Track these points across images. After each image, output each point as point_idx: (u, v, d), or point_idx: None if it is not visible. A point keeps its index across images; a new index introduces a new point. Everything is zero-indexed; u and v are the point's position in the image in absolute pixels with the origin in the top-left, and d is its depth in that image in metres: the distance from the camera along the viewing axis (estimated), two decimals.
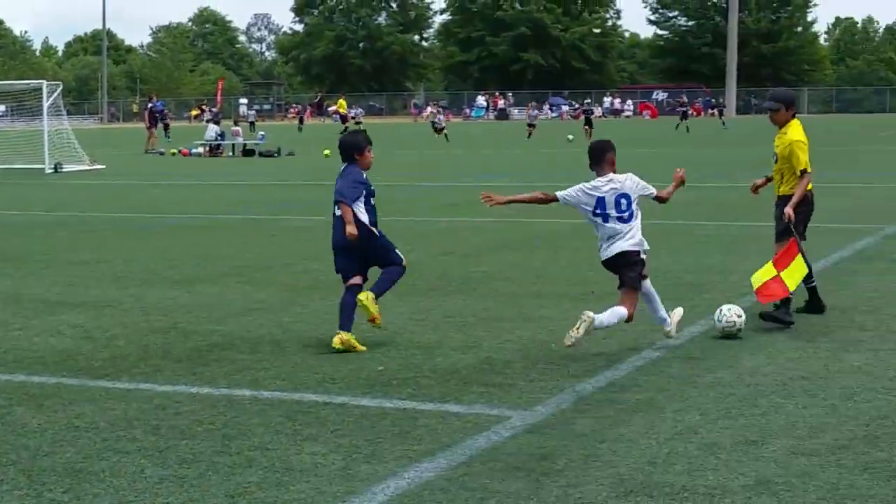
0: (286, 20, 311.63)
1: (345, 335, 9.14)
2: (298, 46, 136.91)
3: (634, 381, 7.98)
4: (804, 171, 10.15)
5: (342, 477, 6.06)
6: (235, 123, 53.83)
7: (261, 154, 45.51)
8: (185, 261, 14.68)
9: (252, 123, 70.04)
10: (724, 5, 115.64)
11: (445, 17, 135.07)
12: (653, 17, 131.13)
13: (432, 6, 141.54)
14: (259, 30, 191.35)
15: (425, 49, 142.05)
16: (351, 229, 9.18)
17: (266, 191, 27.61)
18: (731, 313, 9.41)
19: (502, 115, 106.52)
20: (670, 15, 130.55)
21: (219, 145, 47.65)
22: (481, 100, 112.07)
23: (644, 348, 9.03)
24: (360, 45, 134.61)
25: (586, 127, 56.50)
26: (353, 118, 67.86)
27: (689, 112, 71.31)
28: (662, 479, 5.90)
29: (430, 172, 33.33)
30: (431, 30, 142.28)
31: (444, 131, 57.36)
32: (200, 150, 47.70)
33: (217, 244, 16.53)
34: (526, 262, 13.99)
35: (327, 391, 7.89)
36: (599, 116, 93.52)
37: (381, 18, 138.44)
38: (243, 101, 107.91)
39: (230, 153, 47.38)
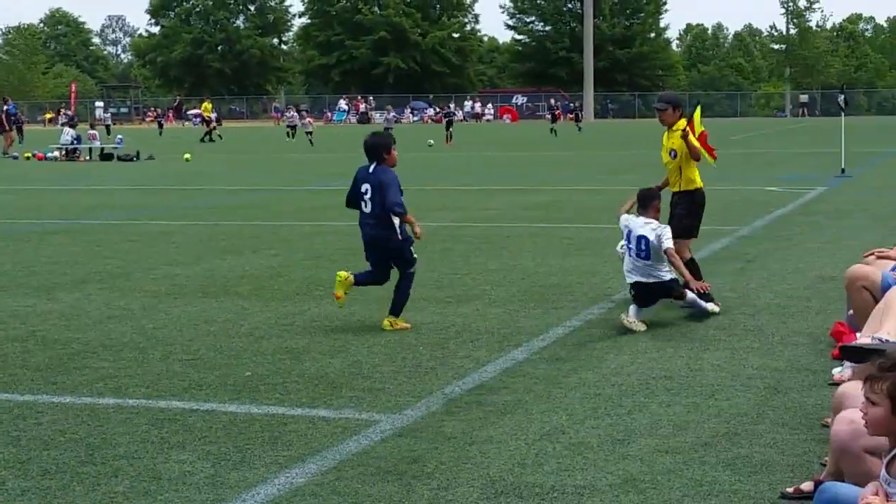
0: (142, 22, 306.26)
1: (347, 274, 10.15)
2: (155, 49, 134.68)
3: (502, 383, 8.05)
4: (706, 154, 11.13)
5: (211, 485, 5.99)
6: (92, 127, 52.71)
7: (119, 158, 44.67)
8: (43, 267, 14.34)
9: (108, 127, 68.61)
10: (580, 11, 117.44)
11: (304, 20, 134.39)
12: (510, 22, 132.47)
13: (291, 9, 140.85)
14: (114, 31, 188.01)
15: (285, 52, 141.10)
16: (419, 230, 10.16)
17: (125, 195, 27.12)
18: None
19: (364, 118, 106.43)
20: (527, 20, 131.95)
21: (75, 149, 46.65)
22: (343, 103, 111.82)
23: (511, 350, 9.12)
24: (219, 48, 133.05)
25: (450, 130, 55.80)
26: (213, 123, 66.55)
27: (558, 116, 71.77)
28: (532, 480, 5.97)
29: (295, 175, 33.08)
30: (290, 33, 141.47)
31: (309, 135, 56.92)
32: (56, 153, 46.65)
33: (76, 250, 16.18)
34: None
35: (194, 398, 7.79)
36: (461, 120, 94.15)
37: (240, 21, 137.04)
38: (99, 104, 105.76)
39: (87, 157, 46.42)
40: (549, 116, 69.97)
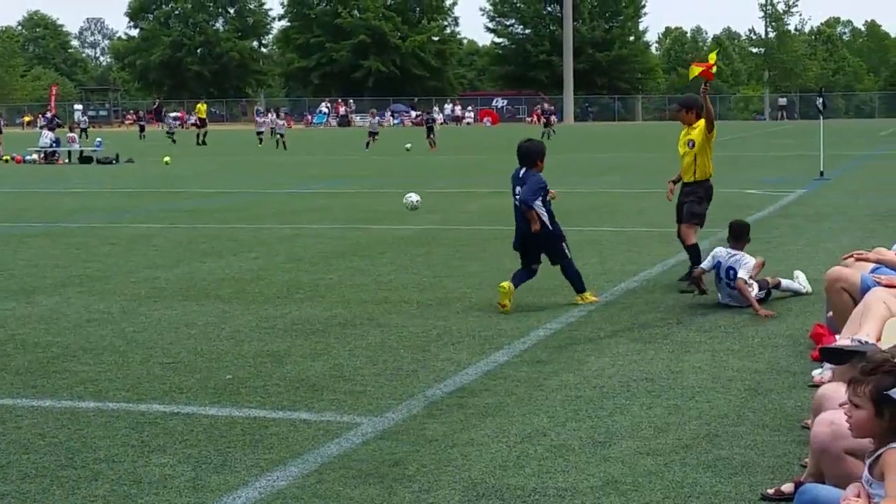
0: (121, 25, 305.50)
1: (508, 284, 10.91)
2: (134, 52, 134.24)
3: (483, 386, 8.05)
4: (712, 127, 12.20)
5: (192, 488, 5.97)
6: (71, 130, 52.51)
7: (98, 161, 44.55)
8: (22, 270, 14.29)
9: (84, 130, 68.19)
10: (560, 14, 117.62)
11: (284, 23, 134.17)
12: (490, 25, 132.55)
13: (270, 12, 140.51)
14: (92, 34, 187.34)
15: (264, 55, 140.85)
16: (535, 227, 10.90)
17: (105, 198, 27.02)
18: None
19: (344, 121, 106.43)
20: (507, 23, 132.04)
21: (54, 152, 46.48)
22: (324, 106, 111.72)
23: (492, 352, 9.12)
24: (198, 50, 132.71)
25: (431, 136, 54.47)
26: (204, 126, 65.82)
27: (553, 118, 70.10)
28: (513, 482, 5.97)
29: (274, 178, 33.02)
30: (270, 36, 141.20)
31: (281, 137, 56.55)
32: (35, 156, 46.48)
33: (55, 253, 16.12)
34: (373, 268, 14.00)
35: (174, 401, 7.77)
36: (442, 123, 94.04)
37: (219, 24, 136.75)
38: (78, 107, 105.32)
39: (66, 160, 46.27)
40: (544, 118, 68.49)
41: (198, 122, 66.78)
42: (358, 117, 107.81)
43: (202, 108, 69.15)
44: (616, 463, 6.26)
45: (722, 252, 11.17)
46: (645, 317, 10.56)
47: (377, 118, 61.96)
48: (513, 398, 7.70)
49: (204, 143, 61.49)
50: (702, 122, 12.23)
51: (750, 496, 5.73)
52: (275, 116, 64.88)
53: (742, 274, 10.77)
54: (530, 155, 11.04)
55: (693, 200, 12.27)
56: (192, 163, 42.65)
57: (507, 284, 10.91)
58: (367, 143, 53.32)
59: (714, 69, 12.52)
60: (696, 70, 12.50)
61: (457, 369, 8.57)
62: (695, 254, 12.16)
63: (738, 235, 11.32)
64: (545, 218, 11.03)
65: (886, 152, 42.14)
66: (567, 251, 11.29)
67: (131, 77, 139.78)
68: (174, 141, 63.28)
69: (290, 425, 7.12)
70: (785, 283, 11.45)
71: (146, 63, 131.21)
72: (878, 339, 6.39)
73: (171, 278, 13.49)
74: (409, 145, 52.10)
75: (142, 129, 77.53)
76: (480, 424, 7.07)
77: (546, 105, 74.43)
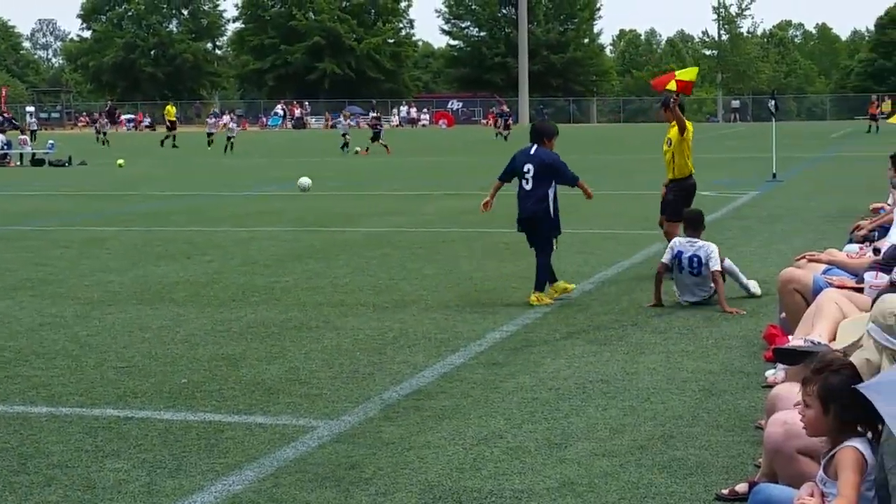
0: (73, 26, 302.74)
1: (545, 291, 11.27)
2: (87, 53, 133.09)
3: (440, 388, 8.05)
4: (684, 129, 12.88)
5: (146, 493, 5.94)
6: (23, 132, 52.00)
7: (51, 164, 44.16)
8: None
9: (33, 132, 67.28)
10: (515, 16, 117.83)
11: (238, 25, 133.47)
12: (446, 27, 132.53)
13: (225, 14, 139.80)
14: (44, 36, 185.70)
15: (219, 57, 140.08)
16: (591, 193, 11.88)
17: (57, 201, 26.79)
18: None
19: (299, 123, 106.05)
20: (462, 25, 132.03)
21: (5, 154, 46.01)
22: (279, 108, 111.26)
23: (448, 355, 9.13)
24: (152, 52, 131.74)
25: (380, 142, 50.37)
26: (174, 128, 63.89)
27: (509, 120, 69.32)
28: (470, 485, 5.98)
29: (229, 181, 32.86)
30: (224, 38, 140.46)
31: (229, 141, 55.90)
32: None
33: (7, 257, 15.96)
34: (328, 271, 13.97)
35: (128, 406, 7.72)
36: (398, 126, 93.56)
37: (173, 26, 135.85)
38: (30, 108, 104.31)
39: (18, 163, 45.82)
40: (484, 122, 67.83)
41: (168, 125, 65.19)
42: (313, 119, 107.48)
43: (171, 109, 67.40)
44: (572, 464, 6.29)
45: (681, 242, 11.33)
46: (600, 318, 10.61)
47: (350, 121, 59.99)
48: (469, 400, 7.71)
49: (174, 145, 59.56)
50: (675, 126, 12.98)
51: (705, 496, 5.77)
52: (230, 119, 64.31)
53: (714, 265, 10.91)
54: (541, 133, 11.68)
55: (673, 199, 13.02)
56: (145, 165, 42.37)
57: (562, 284, 11.52)
58: (346, 145, 50.61)
59: (692, 86, 13.14)
60: (673, 85, 12.87)
61: (413, 372, 8.57)
62: None
63: (695, 224, 11.52)
64: (551, 204, 11.45)
65: (837, 154, 42.54)
66: (554, 245, 11.60)
67: (84, 79, 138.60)
68: (105, 143, 62.55)
69: (246, 429, 7.10)
70: (728, 263, 11.45)
71: (99, 65, 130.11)
72: (830, 340, 6.44)
73: (125, 282, 13.40)
74: (357, 149, 50.63)
75: (97, 131, 76.43)
76: (437, 427, 7.07)
77: (503, 108, 73.93)
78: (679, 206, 12.73)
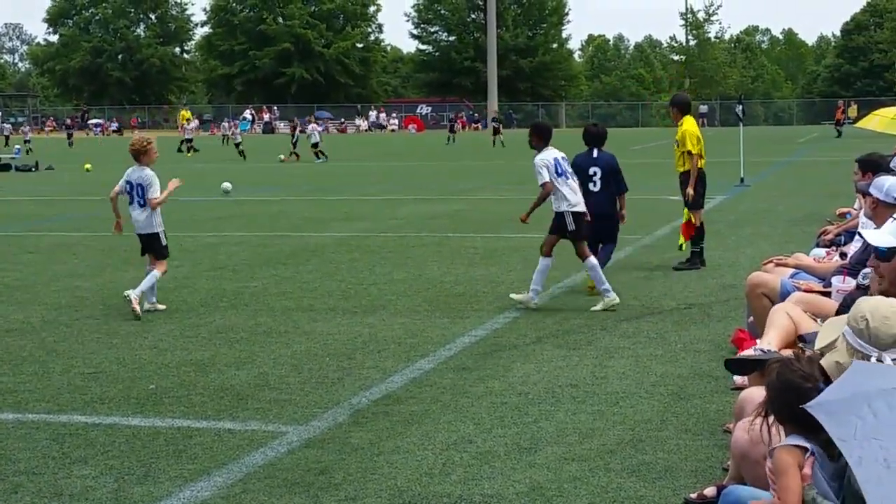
0: (39, 30, 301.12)
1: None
2: (54, 58, 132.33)
3: (409, 393, 8.05)
4: (691, 153, 13.71)
5: (114, 500, 5.91)
6: None
7: (17, 169, 43.88)
8: None
9: (7, 138, 66.99)
10: (484, 21, 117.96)
11: (206, 29, 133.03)
12: (415, 32, 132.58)
13: (193, 18, 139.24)
14: (10, 40, 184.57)
15: (187, 62, 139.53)
16: (625, 215, 12.85)
17: (24, 206, 26.63)
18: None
19: (268, 128, 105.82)
20: (432, 30, 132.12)
21: None
22: (247, 113, 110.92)
23: (417, 360, 9.12)
24: (119, 56, 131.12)
25: (293, 150, 48.18)
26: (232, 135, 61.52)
27: (457, 126, 70.87)
28: (439, 490, 5.98)
29: (197, 186, 32.69)
30: (192, 42, 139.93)
31: (190, 144, 55.35)
32: None
33: None
34: (297, 275, 13.94)
35: (96, 412, 7.68)
36: (367, 130, 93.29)
37: (140, 30, 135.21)
38: None
39: None
40: (448, 125, 68.38)
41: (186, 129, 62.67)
42: (282, 124, 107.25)
43: (185, 114, 64.77)
44: (541, 469, 6.29)
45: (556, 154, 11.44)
46: (569, 322, 10.63)
47: (322, 127, 58.21)
48: (438, 405, 7.70)
49: (193, 149, 57.06)
50: (684, 121, 13.80)
51: (673, 500, 5.78)
52: (196, 124, 63.73)
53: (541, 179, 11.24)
54: (601, 137, 12.64)
55: (684, 190, 13.90)
56: (113, 170, 42.06)
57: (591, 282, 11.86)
58: (318, 154, 47.12)
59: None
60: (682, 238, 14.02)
61: (382, 377, 8.56)
62: (698, 234, 13.94)
63: (542, 134, 11.54)
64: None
65: (804, 159, 42.80)
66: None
67: (51, 83, 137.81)
68: (71, 144, 61.99)
69: (215, 435, 7.07)
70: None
71: (66, 69, 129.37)
72: (780, 348, 6.49)
73: (93, 287, 13.32)
74: (281, 157, 48.89)
75: (69, 136, 76.05)
76: (406, 432, 7.06)
77: (464, 112, 74.65)
78: (694, 196, 13.74)
